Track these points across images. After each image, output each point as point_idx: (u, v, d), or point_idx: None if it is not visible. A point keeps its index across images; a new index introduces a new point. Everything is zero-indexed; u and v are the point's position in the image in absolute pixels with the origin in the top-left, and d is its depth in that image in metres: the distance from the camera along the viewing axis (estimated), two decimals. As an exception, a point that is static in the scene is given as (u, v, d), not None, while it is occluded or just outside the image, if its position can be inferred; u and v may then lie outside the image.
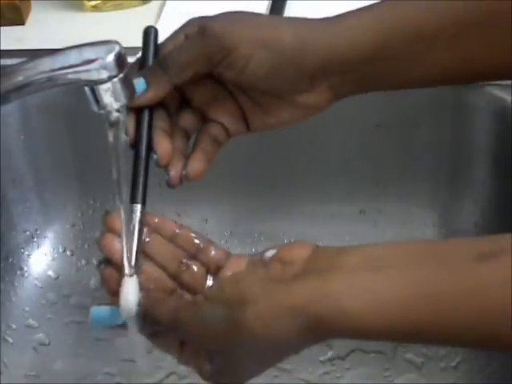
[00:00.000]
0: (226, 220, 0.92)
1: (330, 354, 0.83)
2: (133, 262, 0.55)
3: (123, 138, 0.55)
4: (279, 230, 0.91)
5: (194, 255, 0.57)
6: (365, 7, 0.57)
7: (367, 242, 0.85)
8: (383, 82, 0.59)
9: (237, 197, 0.91)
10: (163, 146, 0.56)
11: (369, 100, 0.82)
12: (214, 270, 0.57)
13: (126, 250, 0.55)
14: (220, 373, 0.53)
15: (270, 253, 0.53)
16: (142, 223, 0.56)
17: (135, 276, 0.55)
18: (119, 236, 0.55)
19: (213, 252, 0.57)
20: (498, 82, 0.80)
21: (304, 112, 0.59)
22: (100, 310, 0.55)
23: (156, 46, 0.58)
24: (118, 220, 0.55)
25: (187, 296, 0.57)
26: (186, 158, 0.57)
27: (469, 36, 0.56)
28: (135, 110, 0.57)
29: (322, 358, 0.83)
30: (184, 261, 0.57)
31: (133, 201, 0.56)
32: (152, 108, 0.57)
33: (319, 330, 0.48)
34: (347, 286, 0.47)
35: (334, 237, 0.90)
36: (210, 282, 0.57)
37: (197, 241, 0.58)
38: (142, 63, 0.58)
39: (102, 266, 0.56)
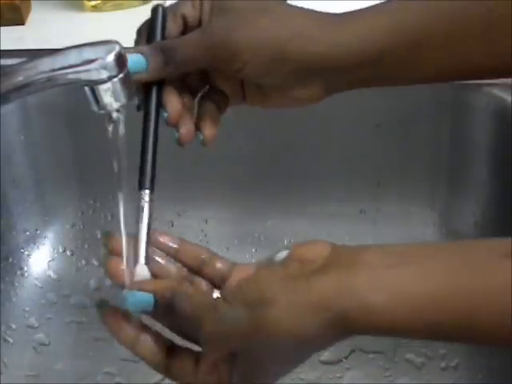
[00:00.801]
0: (226, 220, 0.92)
1: (330, 354, 0.83)
2: (143, 252, 0.55)
3: (122, 137, 0.55)
4: (279, 229, 0.91)
5: (198, 270, 0.57)
6: (365, 10, 0.58)
7: (367, 242, 0.85)
8: (378, 83, 0.60)
9: (237, 197, 0.91)
10: (174, 104, 0.57)
11: (369, 100, 0.82)
12: (220, 281, 0.57)
13: (134, 242, 0.55)
14: (242, 380, 0.52)
15: (282, 254, 0.52)
16: (151, 210, 0.56)
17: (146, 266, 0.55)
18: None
19: (217, 264, 0.57)
20: (498, 82, 0.80)
21: (296, 102, 0.60)
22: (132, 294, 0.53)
23: (164, 25, 0.58)
24: (120, 242, 0.55)
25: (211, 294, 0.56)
26: (194, 117, 0.58)
27: (466, 38, 0.57)
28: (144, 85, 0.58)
29: (322, 359, 0.83)
30: (186, 276, 0.57)
31: (141, 187, 0.56)
32: (161, 87, 0.57)
33: (343, 324, 0.47)
34: (370, 280, 0.47)
35: (334, 237, 0.90)
36: (216, 295, 0.56)
37: (200, 254, 0.57)
38: (148, 39, 0.58)
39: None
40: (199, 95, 0.60)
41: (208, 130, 0.58)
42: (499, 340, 0.47)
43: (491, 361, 0.80)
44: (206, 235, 0.92)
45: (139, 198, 0.56)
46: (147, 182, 0.56)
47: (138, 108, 0.58)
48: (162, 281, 0.55)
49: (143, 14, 0.95)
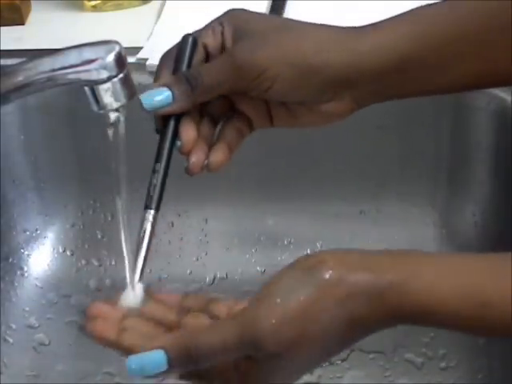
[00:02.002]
0: (226, 220, 0.92)
1: (330, 353, 0.83)
2: (139, 270, 0.55)
3: (122, 137, 0.55)
4: (279, 229, 0.91)
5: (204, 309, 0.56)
6: (386, 20, 0.58)
7: (367, 242, 0.85)
8: (405, 92, 0.60)
9: (237, 197, 0.91)
10: (189, 133, 0.57)
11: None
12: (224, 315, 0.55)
13: (130, 255, 0.55)
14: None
15: None
16: (153, 230, 0.56)
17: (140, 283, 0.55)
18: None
19: (220, 303, 0.55)
20: (498, 82, 0.80)
21: (326, 119, 0.60)
22: (138, 358, 0.50)
23: (192, 55, 0.58)
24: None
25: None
26: (209, 146, 0.58)
27: (492, 44, 0.57)
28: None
29: (322, 358, 0.83)
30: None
31: (147, 207, 0.56)
32: (178, 118, 0.57)
33: (397, 301, 0.48)
34: (433, 263, 0.49)
35: (335, 237, 0.90)
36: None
37: (203, 298, 0.56)
38: (175, 67, 0.58)
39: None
40: (221, 122, 0.60)
41: (214, 157, 0.57)
42: None
43: (491, 361, 0.80)
44: (206, 235, 0.92)
45: (143, 216, 0.56)
46: (153, 203, 0.56)
47: (157, 131, 0.58)
48: (168, 334, 0.52)
49: (143, 13, 0.96)
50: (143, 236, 0.55)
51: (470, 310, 0.48)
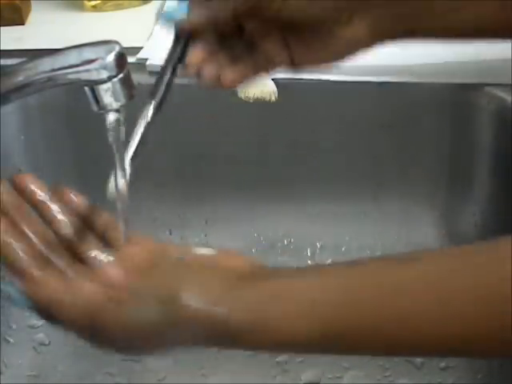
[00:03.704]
0: (226, 220, 0.92)
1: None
2: (132, 150, 0.57)
3: (122, 137, 0.55)
4: (279, 230, 0.91)
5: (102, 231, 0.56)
6: None
7: (368, 242, 0.85)
8: (420, 25, 0.60)
9: (237, 197, 0.91)
10: (196, 51, 0.60)
11: (370, 100, 0.82)
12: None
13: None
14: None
15: (205, 250, 0.52)
16: (151, 122, 0.58)
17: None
18: None
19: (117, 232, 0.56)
20: (499, 82, 0.80)
21: (345, 47, 0.60)
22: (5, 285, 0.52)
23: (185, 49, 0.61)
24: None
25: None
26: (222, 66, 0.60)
27: None
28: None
29: (321, 358, 0.83)
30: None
31: (151, 97, 0.59)
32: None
33: (228, 327, 0.47)
34: (266, 288, 0.47)
35: (335, 237, 0.90)
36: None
37: (109, 220, 0.57)
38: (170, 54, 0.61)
39: None
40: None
41: (230, 74, 0.60)
42: (396, 348, 0.47)
43: (491, 361, 0.80)
44: (205, 235, 0.92)
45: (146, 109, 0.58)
46: (158, 96, 0.59)
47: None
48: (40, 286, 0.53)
49: (143, 13, 0.95)
50: (141, 121, 0.58)
51: (320, 342, 0.46)
